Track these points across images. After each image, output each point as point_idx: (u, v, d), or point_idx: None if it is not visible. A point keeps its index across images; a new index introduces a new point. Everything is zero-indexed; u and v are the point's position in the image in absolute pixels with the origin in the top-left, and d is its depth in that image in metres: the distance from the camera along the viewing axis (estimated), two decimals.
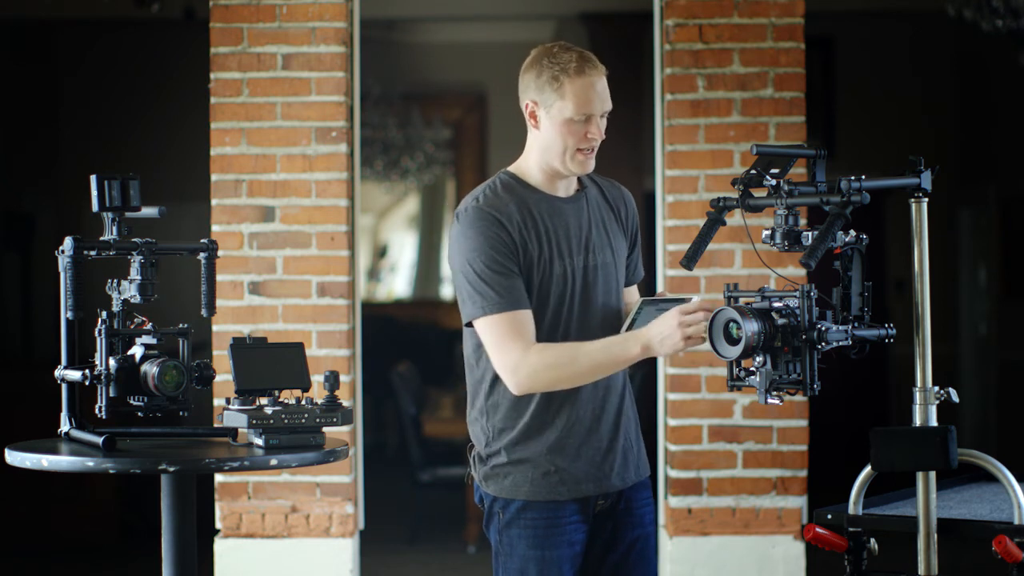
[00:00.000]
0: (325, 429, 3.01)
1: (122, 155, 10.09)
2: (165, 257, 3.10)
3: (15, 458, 2.94)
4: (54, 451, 2.94)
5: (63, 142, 10.40)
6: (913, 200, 2.82)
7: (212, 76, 4.88)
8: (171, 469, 2.85)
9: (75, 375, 3.04)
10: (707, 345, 2.75)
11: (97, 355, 3.04)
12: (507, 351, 2.88)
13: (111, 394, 3.02)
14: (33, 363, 9.18)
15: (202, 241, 3.15)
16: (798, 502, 4.90)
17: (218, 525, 4.89)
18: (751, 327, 2.68)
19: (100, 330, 3.05)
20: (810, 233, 2.73)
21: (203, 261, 3.13)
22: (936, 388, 2.81)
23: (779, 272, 3.75)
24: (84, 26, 10.10)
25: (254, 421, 2.94)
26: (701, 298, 2.85)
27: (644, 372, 6.73)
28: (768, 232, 2.78)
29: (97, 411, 3.04)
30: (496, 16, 10.44)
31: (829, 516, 3.01)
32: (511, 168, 3.04)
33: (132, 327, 3.09)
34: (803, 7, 4.91)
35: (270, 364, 3.05)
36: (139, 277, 3.06)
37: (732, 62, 4.89)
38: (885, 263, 10.13)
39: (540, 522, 2.95)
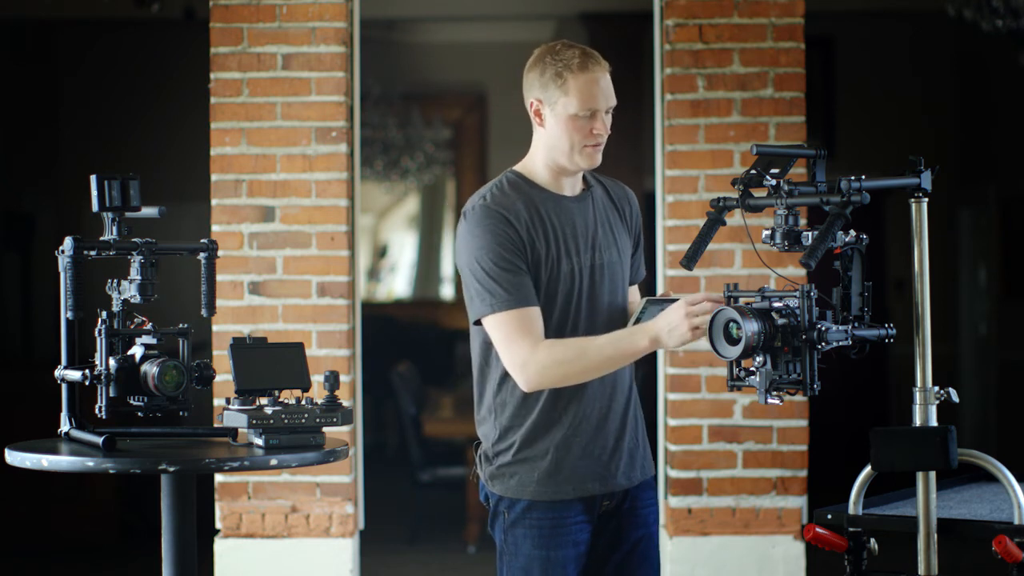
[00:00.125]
0: (325, 429, 3.01)
1: (122, 155, 10.09)
2: (165, 257, 3.10)
3: (15, 458, 2.94)
4: (54, 451, 2.94)
5: (63, 142, 10.40)
6: (913, 200, 2.83)
7: (212, 76, 4.88)
8: (171, 469, 2.85)
9: (75, 375, 3.04)
10: (707, 344, 2.75)
11: (97, 355, 3.04)
12: (516, 348, 2.88)
13: (111, 394, 3.02)
14: (33, 363, 9.18)
15: (202, 241, 3.15)
16: (798, 502, 4.90)
17: (218, 525, 4.89)
18: (751, 327, 2.68)
19: (100, 330, 3.05)
20: (810, 233, 2.73)
21: (203, 261, 3.13)
22: (936, 388, 2.81)
23: (779, 272, 3.75)
24: (84, 26, 10.10)
25: (254, 421, 2.94)
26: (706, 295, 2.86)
27: (644, 372, 6.73)
28: (768, 232, 2.78)
29: (97, 411, 3.04)
30: (496, 16, 10.44)
31: (829, 516, 3.01)
32: (517, 167, 3.04)
33: (132, 327, 3.09)
34: (803, 7, 4.91)
35: (270, 364, 3.05)
36: (139, 277, 3.06)
37: (732, 62, 4.89)
38: (885, 263, 10.13)
39: (545, 522, 2.96)
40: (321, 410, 2.98)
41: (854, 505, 2.99)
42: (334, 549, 4.86)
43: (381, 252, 11.78)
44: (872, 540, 2.98)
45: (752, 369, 2.75)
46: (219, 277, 4.67)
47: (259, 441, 2.95)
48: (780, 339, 2.70)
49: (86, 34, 10.31)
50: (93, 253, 3.06)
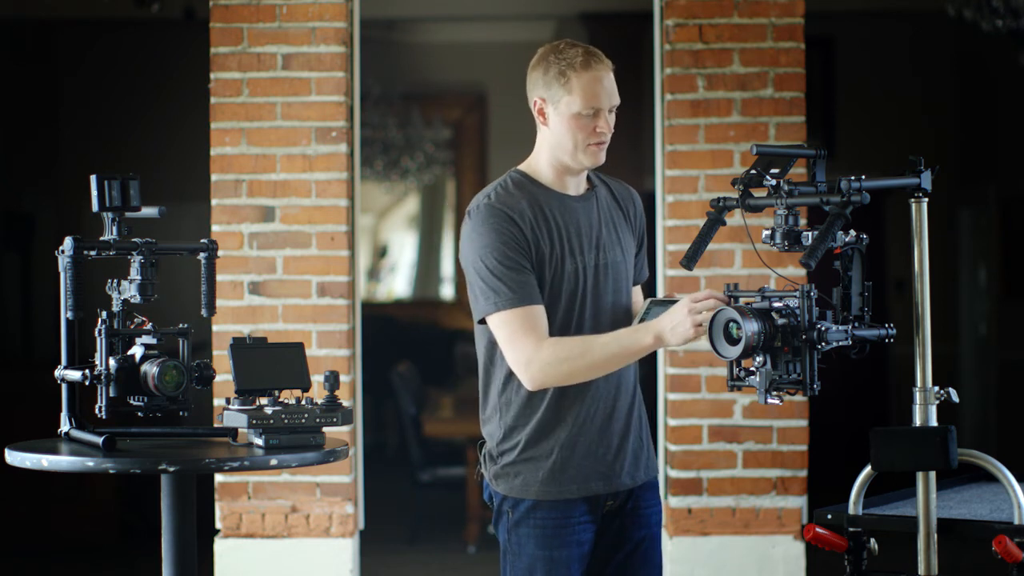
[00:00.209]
0: (325, 429, 3.01)
1: (122, 155, 10.09)
2: (165, 257, 3.10)
3: (15, 458, 2.94)
4: (54, 451, 2.94)
5: (63, 142, 10.40)
6: (913, 200, 2.83)
7: (212, 76, 4.88)
8: (171, 469, 2.85)
9: (75, 375, 3.04)
10: (707, 344, 2.75)
11: (97, 355, 3.04)
12: (520, 346, 2.88)
13: (111, 394, 3.02)
14: (33, 363, 9.18)
15: (202, 241, 3.15)
16: (798, 502, 4.90)
17: (218, 525, 4.89)
18: (751, 327, 2.68)
19: (100, 330, 3.05)
20: (810, 233, 2.73)
21: (203, 261, 3.13)
22: (936, 388, 2.81)
23: (779, 272, 3.75)
24: (84, 26, 10.10)
25: (254, 421, 2.94)
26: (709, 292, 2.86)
27: (644, 372, 6.71)
28: (768, 232, 2.78)
29: (97, 411, 3.04)
30: (496, 16, 10.44)
31: (829, 516, 3.01)
32: (522, 167, 3.05)
33: (132, 327, 3.09)
34: (803, 7, 4.91)
35: (270, 364, 3.05)
36: (139, 277, 3.06)
37: (732, 62, 4.90)
38: (885, 263, 10.13)
39: (549, 522, 2.96)
40: (321, 410, 2.98)
41: (854, 505, 2.99)
42: (334, 549, 4.86)
43: (381, 252, 11.78)
44: (872, 540, 2.98)
45: (752, 369, 2.75)
46: (219, 277, 4.67)
47: (259, 441, 2.95)
48: (780, 339, 2.70)
49: (86, 34, 10.31)
50: (93, 253, 3.06)
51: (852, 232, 2.75)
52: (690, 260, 2.91)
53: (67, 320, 3.05)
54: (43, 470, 2.90)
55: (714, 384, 4.86)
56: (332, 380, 3.01)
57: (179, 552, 3.04)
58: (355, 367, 4.93)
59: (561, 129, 2.96)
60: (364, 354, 5.05)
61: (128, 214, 3.08)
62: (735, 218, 2.95)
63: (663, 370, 4.95)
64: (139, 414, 3.07)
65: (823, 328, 2.67)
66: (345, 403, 3.13)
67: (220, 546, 4.88)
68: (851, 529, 2.97)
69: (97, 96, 10.43)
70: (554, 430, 2.97)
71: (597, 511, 3.01)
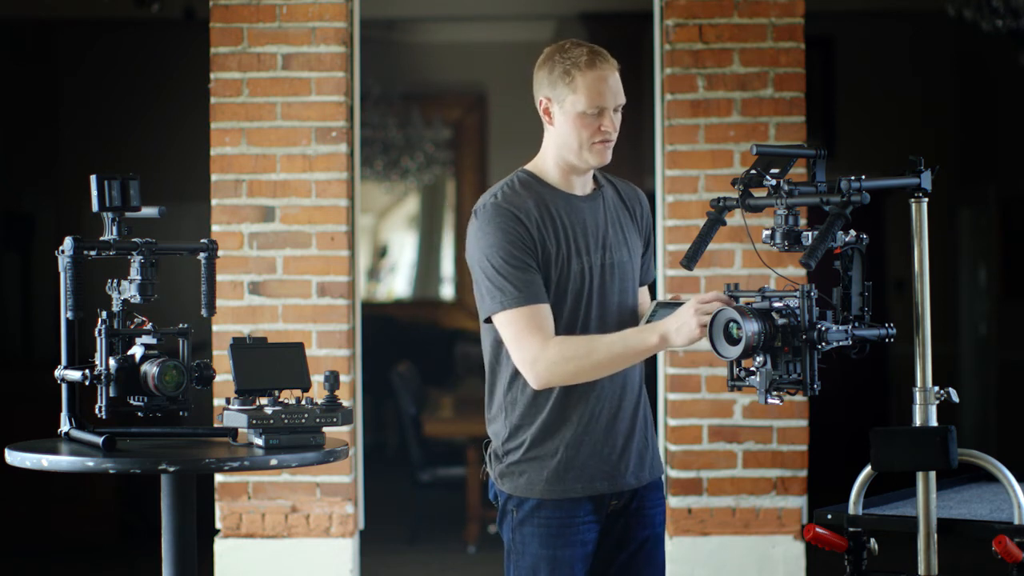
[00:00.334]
0: (325, 429, 3.01)
1: (122, 155, 10.09)
2: (165, 257, 3.10)
3: (15, 458, 2.94)
4: (54, 451, 2.94)
5: (63, 142, 10.40)
6: (913, 200, 2.83)
7: (212, 76, 4.88)
8: (171, 469, 2.85)
9: (75, 375, 3.04)
10: (707, 345, 2.75)
11: (97, 355, 3.04)
12: (526, 345, 2.88)
13: (111, 394, 3.02)
14: (33, 363, 9.18)
15: (202, 241, 3.15)
16: (798, 502, 4.90)
17: (218, 525, 4.89)
18: (751, 327, 2.68)
19: (100, 330, 3.05)
20: (810, 233, 2.73)
21: (203, 261, 3.13)
22: (936, 388, 2.81)
23: (779, 272, 3.75)
24: (84, 26, 10.10)
25: (254, 421, 2.94)
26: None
27: (645, 372, 6.72)
28: (768, 232, 2.78)
29: (97, 411, 3.04)
30: (496, 16, 10.44)
31: (829, 516, 3.01)
32: (528, 166, 3.05)
33: (132, 327, 3.09)
34: (803, 7, 4.91)
35: (270, 364, 3.05)
36: (139, 277, 3.06)
37: (732, 62, 4.90)
38: (885, 263, 10.13)
39: (553, 521, 2.96)
40: (321, 410, 2.98)
41: (854, 505, 2.99)
42: (334, 549, 4.86)
43: (381, 252, 11.78)
44: (872, 540, 2.98)
45: (752, 369, 2.75)
46: (219, 277, 4.67)
47: (259, 441, 2.95)
48: (780, 339, 2.70)
49: (86, 34, 10.31)
50: (93, 253, 3.06)
51: (852, 232, 2.75)
52: (690, 260, 2.91)
53: (67, 320, 3.05)
54: (43, 470, 2.90)
55: (714, 384, 4.86)
56: (332, 380, 3.01)
57: (179, 552, 3.04)
58: (355, 367, 4.93)
59: (566, 128, 2.97)
60: (364, 354, 5.05)
61: (128, 214, 3.08)
62: (735, 218, 2.95)
63: (663, 370, 4.95)
64: (139, 414, 3.07)
65: (823, 328, 2.67)
66: (345, 403, 3.13)
67: (220, 546, 4.88)
68: (851, 529, 2.97)
69: (97, 96, 10.43)
70: (559, 429, 2.97)
71: (601, 511, 3.01)
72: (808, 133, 4.96)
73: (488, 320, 2.96)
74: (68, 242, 3.04)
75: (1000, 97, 9.84)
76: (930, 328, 2.82)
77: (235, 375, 3.00)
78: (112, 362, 3.02)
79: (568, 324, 2.95)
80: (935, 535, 2.82)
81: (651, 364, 5.58)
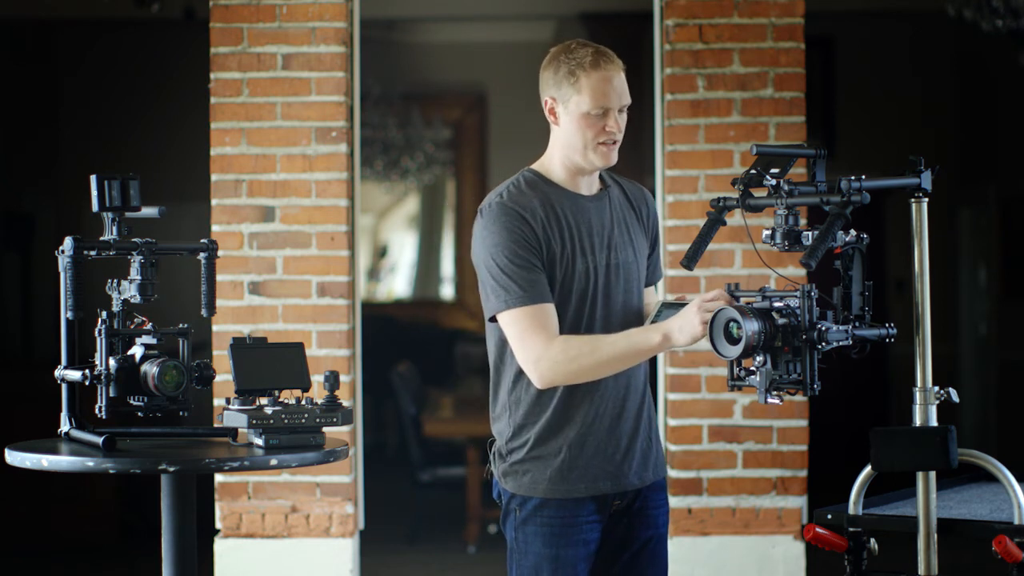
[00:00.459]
0: (325, 429, 3.01)
1: (122, 155, 10.09)
2: (165, 257, 3.10)
3: (15, 458, 2.94)
4: (54, 451, 2.94)
5: (63, 142, 10.40)
6: (913, 200, 2.83)
7: (212, 76, 4.88)
8: (171, 469, 2.85)
9: (75, 375, 3.04)
10: (707, 344, 2.75)
11: (97, 355, 3.04)
12: (529, 344, 2.89)
13: (111, 394, 3.02)
14: (33, 363, 9.18)
15: (202, 241, 3.15)
16: (798, 502, 4.90)
17: (218, 525, 4.89)
18: (751, 326, 2.68)
19: (100, 330, 3.05)
20: (810, 233, 2.73)
21: (203, 261, 3.13)
22: (936, 388, 2.81)
23: (779, 272, 3.75)
24: (84, 26, 10.10)
25: (254, 421, 2.94)
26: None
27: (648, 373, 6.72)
28: (768, 232, 2.78)
29: (97, 411, 3.04)
30: (496, 16, 10.44)
31: (829, 516, 3.01)
32: (535, 166, 3.06)
33: (132, 327, 3.09)
34: (803, 7, 4.91)
35: (270, 364, 3.05)
36: (139, 277, 3.06)
37: (732, 62, 4.90)
38: (885, 263, 10.13)
39: (556, 520, 2.96)
40: (321, 410, 2.98)
41: (854, 505, 2.99)
42: (334, 549, 4.86)
43: (381, 252, 11.78)
44: (872, 540, 2.98)
45: (752, 369, 2.75)
46: (219, 277, 4.67)
47: (259, 441, 2.95)
48: (780, 339, 2.70)
49: (86, 34, 10.31)
50: (93, 253, 3.06)
51: (852, 232, 2.75)
52: (690, 260, 2.91)
53: (67, 320, 3.05)
54: (43, 470, 2.90)
55: (714, 384, 4.86)
56: (332, 380, 3.01)
57: (179, 552, 3.04)
58: (355, 367, 4.93)
59: (571, 128, 2.97)
60: (364, 354, 5.05)
61: (128, 214, 3.08)
62: (735, 218, 2.95)
63: (663, 370, 4.95)
64: (139, 414, 3.07)
65: (823, 328, 2.68)
66: (345, 403, 3.13)
67: (220, 546, 4.88)
68: (851, 529, 2.97)
69: (97, 96, 10.43)
70: (563, 429, 2.97)
71: (604, 511, 3.01)
72: (808, 133, 4.96)
73: (493, 319, 2.97)
74: (68, 242, 3.04)
75: (1000, 97, 9.84)
76: (930, 328, 2.82)
77: (235, 375, 3.00)
78: (112, 362, 3.02)
79: (573, 324, 2.96)
80: (935, 535, 2.82)
81: (651, 364, 5.58)
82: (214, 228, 4.86)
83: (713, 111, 4.89)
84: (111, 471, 2.84)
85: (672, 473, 4.90)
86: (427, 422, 7.61)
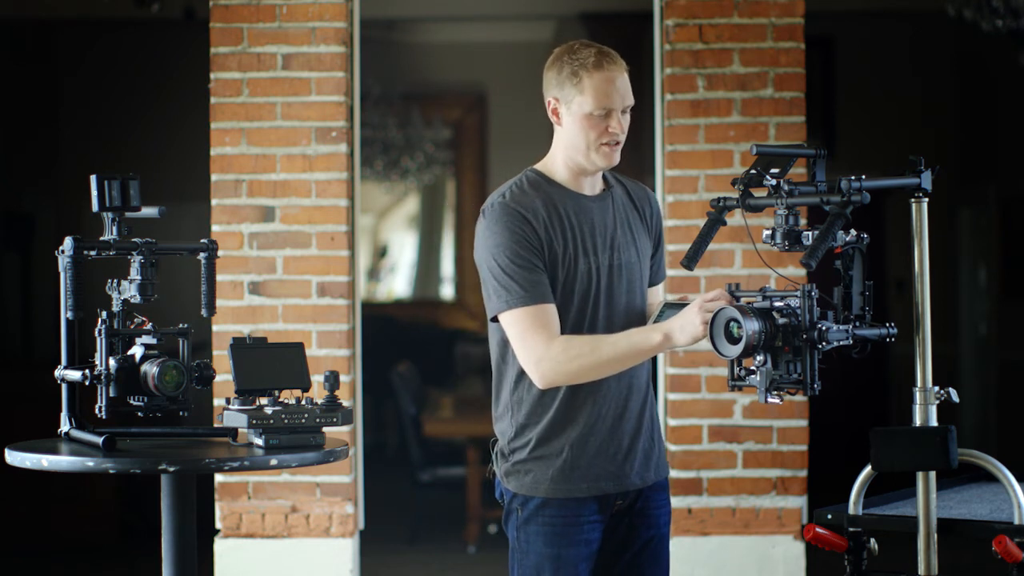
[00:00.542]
0: (325, 429, 3.01)
1: (122, 155, 10.09)
2: (165, 257, 3.10)
3: (15, 458, 2.94)
4: (54, 451, 2.94)
5: (63, 142, 10.40)
6: (913, 200, 2.83)
7: (212, 76, 4.88)
8: (171, 469, 2.85)
9: (75, 375, 3.04)
10: (708, 344, 2.75)
11: (97, 355, 3.04)
12: (531, 344, 2.89)
13: (111, 394, 3.02)
14: (33, 363, 9.18)
15: (202, 241, 3.15)
16: (798, 502, 4.90)
17: (218, 525, 4.89)
18: (752, 326, 2.68)
19: (100, 330, 3.05)
20: (810, 233, 2.73)
21: (203, 261, 3.13)
22: (936, 388, 2.81)
23: (780, 272, 3.75)
24: (84, 26, 10.10)
25: (254, 421, 2.94)
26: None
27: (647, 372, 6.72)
28: (768, 232, 2.78)
29: (97, 411, 3.04)
30: (496, 16, 10.44)
31: (829, 516, 3.01)
32: (538, 166, 3.06)
33: (132, 327, 3.09)
34: (803, 7, 4.91)
35: (270, 364, 3.05)
36: (139, 277, 3.06)
37: (732, 62, 4.90)
38: (885, 263, 10.13)
39: (558, 520, 2.96)
40: (321, 410, 2.98)
41: (854, 505, 2.99)
42: (334, 549, 4.86)
43: (381, 252, 11.78)
44: (872, 540, 2.98)
45: (753, 368, 2.75)
46: (219, 277, 4.67)
47: (259, 441, 2.95)
48: (781, 338, 2.70)
49: (86, 34, 10.31)
50: (93, 253, 3.06)
51: (852, 231, 2.75)
52: (690, 260, 2.91)
53: (67, 320, 3.05)
54: (43, 470, 2.90)
55: (714, 384, 4.86)
56: (332, 380, 3.01)
57: (179, 552, 3.04)
58: (355, 367, 4.93)
59: (574, 129, 2.97)
60: (364, 354, 5.06)
61: (128, 214, 3.09)
62: (735, 218, 2.95)
63: (663, 370, 4.95)
64: (139, 414, 3.07)
65: (824, 328, 2.68)
66: (345, 403, 3.13)
67: (220, 546, 4.88)
68: (851, 529, 2.97)
69: (97, 96, 10.43)
70: (565, 429, 2.98)
71: (606, 510, 3.01)
72: (808, 133, 4.96)
73: (495, 319, 2.97)
74: (68, 242, 3.04)
75: (1000, 97, 9.84)
76: (930, 328, 2.82)
77: (235, 375, 3.00)
78: (112, 362, 3.02)
79: (575, 324, 2.96)
80: (935, 535, 2.82)
81: (651, 364, 5.58)
82: (214, 228, 4.87)
83: (713, 111, 4.89)
84: (111, 471, 2.84)
85: (672, 473, 4.90)
86: (427, 422, 7.61)
